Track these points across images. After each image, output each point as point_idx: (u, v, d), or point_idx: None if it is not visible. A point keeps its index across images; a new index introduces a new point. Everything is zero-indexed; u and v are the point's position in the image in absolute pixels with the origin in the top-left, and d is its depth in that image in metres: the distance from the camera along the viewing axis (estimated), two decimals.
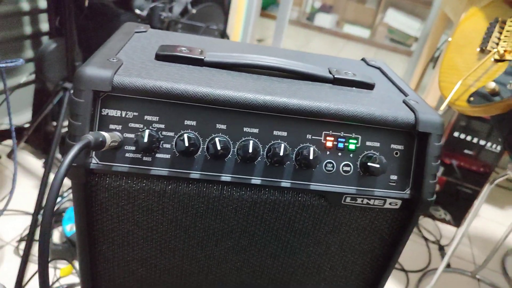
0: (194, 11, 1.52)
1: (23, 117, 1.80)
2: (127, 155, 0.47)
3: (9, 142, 1.64)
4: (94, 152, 0.47)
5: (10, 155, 1.63)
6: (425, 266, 1.65)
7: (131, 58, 0.51)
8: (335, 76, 0.56)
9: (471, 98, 1.00)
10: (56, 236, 1.34)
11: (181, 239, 0.54)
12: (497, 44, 0.97)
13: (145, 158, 0.48)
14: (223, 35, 1.76)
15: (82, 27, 1.45)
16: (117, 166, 0.47)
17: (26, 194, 1.47)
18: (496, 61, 0.97)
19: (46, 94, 1.53)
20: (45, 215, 0.32)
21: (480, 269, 1.62)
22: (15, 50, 1.67)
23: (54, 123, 1.60)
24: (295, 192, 0.52)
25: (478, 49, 1.01)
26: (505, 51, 0.95)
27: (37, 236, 1.31)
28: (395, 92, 0.58)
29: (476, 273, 1.63)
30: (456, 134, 1.75)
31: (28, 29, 1.69)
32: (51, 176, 1.49)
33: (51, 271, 1.22)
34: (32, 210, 1.23)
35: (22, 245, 1.29)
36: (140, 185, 0.49)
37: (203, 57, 0.53)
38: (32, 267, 1.23)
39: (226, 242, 0.55)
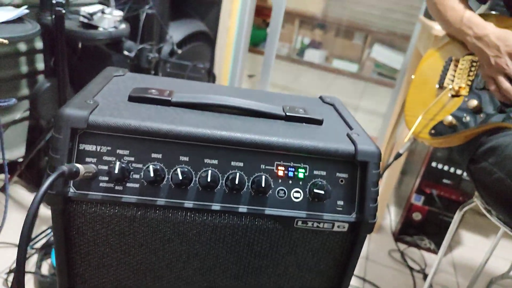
0: (179, 51, 1.62)
1: (18, 152, 1.86)
2: (101, 184, 0.54)
3: (2, 176, 1.70)
4: (71, 182, 0.53)
5: (3, 188, 1.68)
6: None
7: (106, 99, 0.59)
8: (287, 113, 0.63)
9: (432, 131, 1.08)
10: (45, 268, 1.37)
11: (151, 261, 0.60)
12: (453, 81, 1.07)
13: (117, 187, 0.54)
14: (210, 73, 1.87)
15: (75, 67, 1.55)
16: (92, 194, 0.54)
17: (17, 227, 1.50)
18: (453, 96, 1.06)
19: (40, 131, 1.61)
20: (22, 236, 0.38)
21: None
22: (12, 89, 1.75)
23: (47, 159, 1.66)
24: (252, 216, 0.58)
25: (437, 86, 1.10)
26: (459, 87, 1.04)
27: (27, 268, 1.34)
28: (342, 126, 0.66)
29: None
30: (433, 164, 1.82)
31: (24, 69, 1.79)
32: (42, 209, 1.54)
33: None
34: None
35: (11, 277, 1.32)
36: (113, 211, 0.55)
37: (170, 98, 0.60)
38: None
39: (192, 264, 0.61)
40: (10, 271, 1.36)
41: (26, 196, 1.72)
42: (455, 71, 1.07)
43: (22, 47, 1.76)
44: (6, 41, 1.00)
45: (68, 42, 1.44)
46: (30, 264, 1.38)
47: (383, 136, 2.52)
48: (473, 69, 1.03)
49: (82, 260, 0.59)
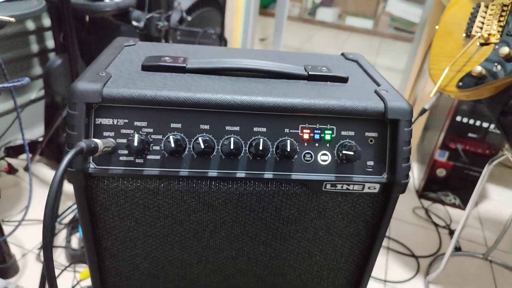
0: (189, 18, 1.57)
1: (37, 131, 1.88)
2: (121, 158, 0.52)
3: (25, 156, 1.73)
4: (91, 158, 0.52)
5: (26, 168, 1.71)
6: (435, 251, 1.66)
7: (119, 70, 0.56)
8: (310, 72, 0.60)
9: (460, 83, 1.02)
10: (74, 242, 1.41)
11: (178, 232, 0.59)
12: (481, 28, 1.00)
13: (137, 160, 0.53)
14: (221, 38, 1.81)
15: (85, 41, 1.52)
16: (112, 169, 0.52)
17: (43, 204, 1.54)
18: (482, 45, 0.99)
19: (56, 108, 1.61)
20: (47, 213, 0.37)
21: (491, 250, 1.63)
22: (24, 68, 1.74)
23: (65, 135, 1.67)
24: (278, 182, 0.56)
25: (464, 35, 1.03)
26: (489, 34, 0.98)
27: (54, 243, 1.38)
28: (369, 83, 0.62)
29: (487, 255, 1.64)
30: (458, 118, 1.76)
31: (35, 47, 1.77)
32: (67, 185, 1.56)
33: (71, 274, 1.29)
34: None
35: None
36: (135, 185, 0.54)
37: (185, 65, 0.57)
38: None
39: (219, 233, 0.60)
40: (42, 247, 1.39)
41: (49, 173, 1.74)
42: (483, 17, 0.99)
43: (30, 25, 1.74)
44: (12, 19, 0.97)
45: (76, 16, 1.41)
46: (60, 239, 1.41)
47: (403, 92, 2.44)
48: (503, 14, 0.96)
49: (108, 235, 0.58)
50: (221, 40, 1.85)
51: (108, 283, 0.64)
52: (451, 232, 1.78)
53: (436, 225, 1.81)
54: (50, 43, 1.82)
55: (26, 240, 1.42)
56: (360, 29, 4.60)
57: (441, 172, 1.88)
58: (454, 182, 1.89)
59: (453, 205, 1.93)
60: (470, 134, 1.78)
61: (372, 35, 4.56)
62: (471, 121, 1.75)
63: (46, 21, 1.78)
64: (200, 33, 1.64)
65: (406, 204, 1.90)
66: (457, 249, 1.65)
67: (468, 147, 1.81)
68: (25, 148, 1.14)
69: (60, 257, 1.36)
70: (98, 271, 0.61)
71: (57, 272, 1.30)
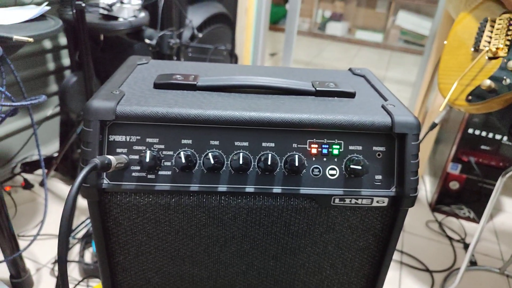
0: (200, 35, 1.60)
1: (53, 147, 1.92)
2: (133, 174, 0.54)
3: (40, 171, 1.76)
4: (105, 174, 0.54)
5: (42, 183, 1.74)
6: (450, 265, 1.63)
7: (132, 88, 0.58)
8: (317, 88, 0.61)
9: (470, 97, 1.03)
10: (87, 257, 1.42)
11: (188, 246, 0.60)
12: (489, 42, 1.00)
13: (149, 176, 0.54)
14: (232, 54, 1.84)
15: (99, 59, 1.56)
16: (125, 185, 0.54)
17: (58, 219, 1.57)
18: (490, 59, 1.00)
19: (71, 125, 1.64)
20: (62, 228, 0.39)
21: (508, 265, 1.59)
22: (41, 86, 1.79)
23: (79, 151, 1.70)
24: (287, 197, 0.57)
25: (472, 49, 1.04)
26: (497, 48, 0.98)
27: (70, 257, 1.40)
28: (376, 98, 0.63)
29: (504, 269, 1.61)
30: (470, 130, 1.75)
31: (51, 65, 1.82)
32: (80, 200, 1.58)
33: None
34: None
35: (57, 266, 1.38)
36: (147, 200, 0.55)
37: (195, 83, 0.59)
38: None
39: (230, 247, 0.61)
40: (56, 261, 1.41)
41: (64, 188, 1.77)
42: (491, 31, 1.00)
43: (47, 44, 1.79)
44: (31, 39, 1.01)
45: (90, 35, 1.45)
46: (74, 253, 1.43)
47: (414, 105, 2.44)
48: (511, 27, 0.96)
49: (121, 249, 0.59)
50: (232, 57, 1.88)
51: None
52: (466, 246, 1.75)
53: (450, 238, 1.78)
54: (66, 61, 1.87)
55: (40, 254, 1.44)
56: (370, 42, 4.62)
57: (454, 185, 1.85)
58: (468, 195, 1.87)
59: (467, 219, 1.90)
60: (483, 147, 1.76)
61: (382, 49, 4.57)
62: (484, 133, 1.74)
63: (62, 40, 1.83)
64: (211, 49, 1.67)
65: (419, 218, 1.88)
66: (473, 263, 1.62)
67: (481, 160, 1.79)
68: (41, 163, 1.16)
69: (73, 271, 1.38)
70: (111, 285, 0.62)
71: (70, 286, 1.31)
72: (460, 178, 1.84)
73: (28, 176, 1.74)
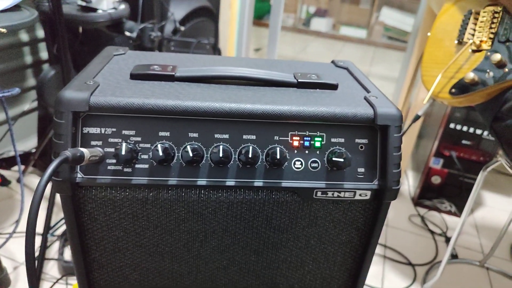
0: (182, 28, 1.57)
1: (31, 143, 1.87)
2: (109, 167, 0.52)
3: (16, 167, 1.71)
4: (78, 167, 0.51)
5: (18, 180, 1.69)
6: (432, 259, 1.65)
7: (107, 79, 0.56)
8: (299, 80, 0.60)
9: (453, 90, 1.03)
10: (67, 254, 1.39)
11: (167, 242, 0.58)
12: (473, 35, 1.00)
13: (125, 169, 0.52)
14: (214, 48, 1.82)
15: (78, 52, 1.52)
16: (100, 179, 0.52)
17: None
18: (474, 51, 1.00)
19: (49, 120, 1.60)
20: (29, 222, 0.36)
21: (488, 258, 1.62)
22: (18, 80, 1.74)
23: None
24: (268, 190, 0.55)
25: (456, 42, 1.04)
26: (481, 41, 0.98)
27: (47, 255, 1.36)
28: (359, 90, 0.62)
29: (484, 262, 1.63)
30: (452, 125, 1.77)
31: (29, 59, 1.77)
32: (57, 196, 1.54)
33: (63, 287, 1.26)
34: (41, 231, 1.29)
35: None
36: (124, 194, 0.53)
37: (173, 73, 0.57)
38: (45, 285, 1.28)
39: (210, 242, 0.59)
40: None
41: None
42: (475, 24, 1.00)
43: (24, 37, 1.74)
44: (4, 30, 0.97)
45: (69, 27, 1.41)
46: (53, 251, 1.39)
47: (397, 100, 2.45)
48: (495, 20, 0.97)
49: (97, 246, 0.57)
50: (215, 50, 1.85)
51: None
52: (448, 240, 1.77)
53: (432, 232, 1.80)
54: (44, 54, 1.82)
55: (17, 252, 1.40)
56: (354, 38, 4.64)
57: (436, 180, 1.88)
58: (449, 190, 1.89)
59: (449, 213, 1.92)
60: (464, 141, 1.78)
61: (366, 45, 4.60)
62: (465, 128, 1.76)
63: (40, 32, 1.78)
64: (194, 43, 1.65)
65: (402, 212, 1.89)
66: (454, 256, 1.64)
67: (463, 154, 1.81)
68: (17, 159, 1.13)
69: (52, 269, 1.34)
70: (86, 282, 0.60)
71: (49, 284, 1.28)
72: (442, 173, 1.86)
73: (4, 173, 1.69)
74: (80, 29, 1.49)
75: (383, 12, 4.49)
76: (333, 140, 0.55)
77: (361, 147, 0.56)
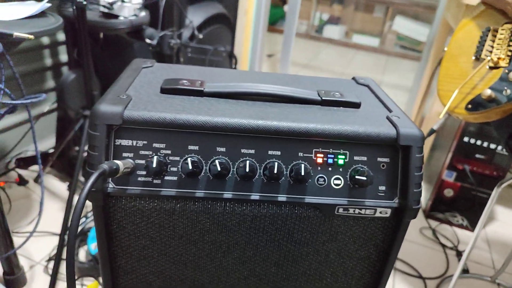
0: (200, 36, 1.60)
1: (48, 143, 1.91)
2: (139, 179, 0.54)
3: (36, 167, 1.75)
4: (110, 178, 0.53)
5: (37, 179, 1.73)
6: (443, 272, 1.65)
7: (139, 93, 0.58)
8: (323, 98, 0.61)
9: (469, 106, 1.03)
10: (82, 255, 1.41)
11: (191, 252, 0.60)
12: (491, 52, 1.01)
13: (155, 181, 0.54)
14: (231, 55, 1.84)
15: (98, 57, 1.55)
16: (131, 189, 0.54)
17: (53, 216, 1.56)
18: (491, 68, 1.01)
19: (68, 121, 1.63)
20: (70, 235, 0.38)
21: (499, 273, 1.61)
22: (37, 82, 1.78)
23: (77, 148, 1.69)
24: (291, 205, 0.57)
25: (473, 58, 1.05)
26: (498, 58, 0.99)
27: (64, 255, 1.39)
28: (381, 109, 0.63)
29: (495, 278, 1.63)
30: (466, 139, 1.76)
31: (48, 61, 1.81)
32: (75, 198, 1.57)
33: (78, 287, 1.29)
34: (59, 231, 1.31)
35: (51, 264, 1.37)
36: (152, 205, 0.55)
37: (202, 89, 0.59)
38: (61, 285, 1.30)
39: (232, 254, 0.61)
40: (50, 259, 1.40)
41: (58, 185, 1.76)
42: (493, 41, 1.01)
43: (45, 40, 1.78)
44: (31, 36, 1.00)
45: (90, 32, 1.44)
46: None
47: (410, 110, 2.46)
48: None
49: (123, 253, 0.59)
50: (231, 58, 1.88)
51: None
52: (459, 254, 1.76)
53: (443, 246, 1.79)
54: (63, 57, 1.86)
55: (34, 252, 1.43)
56: (367, 47, 4.65)
57: (448, 193, 1.87)
58: (462, 203, 1.89)
59: (461, 226, 1.92)
60: (477, 155, 1.78)
61: (379, 53, 4.60)
62: (479, 142, 1.76)
63: (60, 36, 1.82)
64: (211, 50, 1.67)
65: (414, 224, 1.89)
66: (465, 271, 1.64)
67: (476, 168, 1.81)
68: (38, 160, 1.15)
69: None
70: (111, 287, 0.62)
71: (64, 284, 1.30)
72: (454, 186, 1.86)
73: (22, 172, 1.73)
74: (101, 35, 1.53)
75: (396, 21, 4.48)
76: (356, 158, 0.56)
77: (383, 166, 0.57)
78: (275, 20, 4.75)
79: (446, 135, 1.97)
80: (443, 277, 1.62)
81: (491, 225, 1.97)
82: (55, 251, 1.32)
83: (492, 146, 1.74)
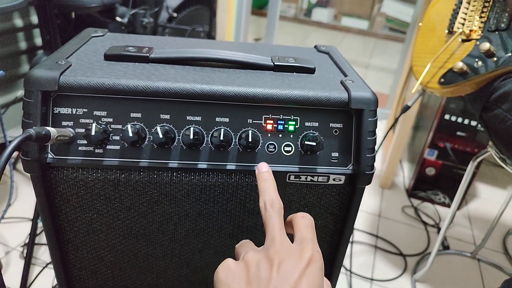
0: (175, 15, 1.56)
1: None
2: (80, 148, 0.52)
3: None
4: (49, 147, 0.51)
5: (15, 165, 1.70)
6: (423, 249, 1.65)
7: (81, 60, 0.55)
8: (276, 63, 0.59)
9: (442, 79, 1.02)
10: None
11: (141, 224, 0.58)
12: (463, 24, 0.99)
13: (97, 150, 0.52)
14: (209, 36, 1.81)
15: (71, 38, 1.51)
16: (71, 159, 0.52)
17: (27, 202, 1.54)
18: (463, 41, 0.99)
19: None
20: None
21: (479, 249, 1.62)
22: (12, 66, 1.73)
23: None
24: (241, 173, 0.55)
25: (446, 31, 1.03)
26: (470, 30, 0.97)
27: (38, 240, 1.37)
28: (337, 74, 0.61)
29: (475, 254, 1.63)
30: (447, 116, 1.75)
31: (23, 45, 1.76)
32: None
33: (52, 272, 1.27)
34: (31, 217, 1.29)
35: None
36: (96, 175, 0.53)
37: (148, 54, 0.57)
38: (36, 270, 1.29)
39: (184, 225, 0.59)
40: (25, 244, 1.38)
41: None
42: (465, 13, 0.99)
43: (18, 22, 1.73)
44: None
45: (62, 12, 1.40)
46: (44, 236, 1.40)
47: (395, 92, 2.44)
48: (485, 9, 0.95)
49: (70, 227, 0.57)
50: (209, 38, 1.84)
51: (74, 277, 0.63)
52: (440, 231, 1.77)
53: (425, 223, 1.80)
54: (39, 40, 1.81)
55: (10, 237, 1.41)
56: (356, 29, 4.61)
57: (430, 171, 1.87)
58: (444, 181, 1.89)
59: (443, 204, 1.92)
60: (458, 133, 1.77)
61: (368, 36, 4.57)
62: (460, 119, 1.75)
63: (35, 18, 1.77)
64: (188, 31, 1.64)
65: (396, 203, 1.89)
66: (446, 247, 1.65)
67: (457, 146, 1.80)
68: (7, 143, 1.13)
69: (44, 255, 1.35)
70: (61, 264, 0.60)
71: (38, 269, 1.29)
72: (436, 164, 1.85)
73: None
74: (73, 15, 1.48)
75: (385, 3, 4.44)
76: (307, 124, 0.55)
77: (336, 132, 0.55)
78: (263, 4, 4.68)
79: (428, 113, 1.96)
80: (424, 254, 1.62)
81: (472, 202, 1.98)
82: (28, 238, 1.30)
83: (473, 123, 1.73)
